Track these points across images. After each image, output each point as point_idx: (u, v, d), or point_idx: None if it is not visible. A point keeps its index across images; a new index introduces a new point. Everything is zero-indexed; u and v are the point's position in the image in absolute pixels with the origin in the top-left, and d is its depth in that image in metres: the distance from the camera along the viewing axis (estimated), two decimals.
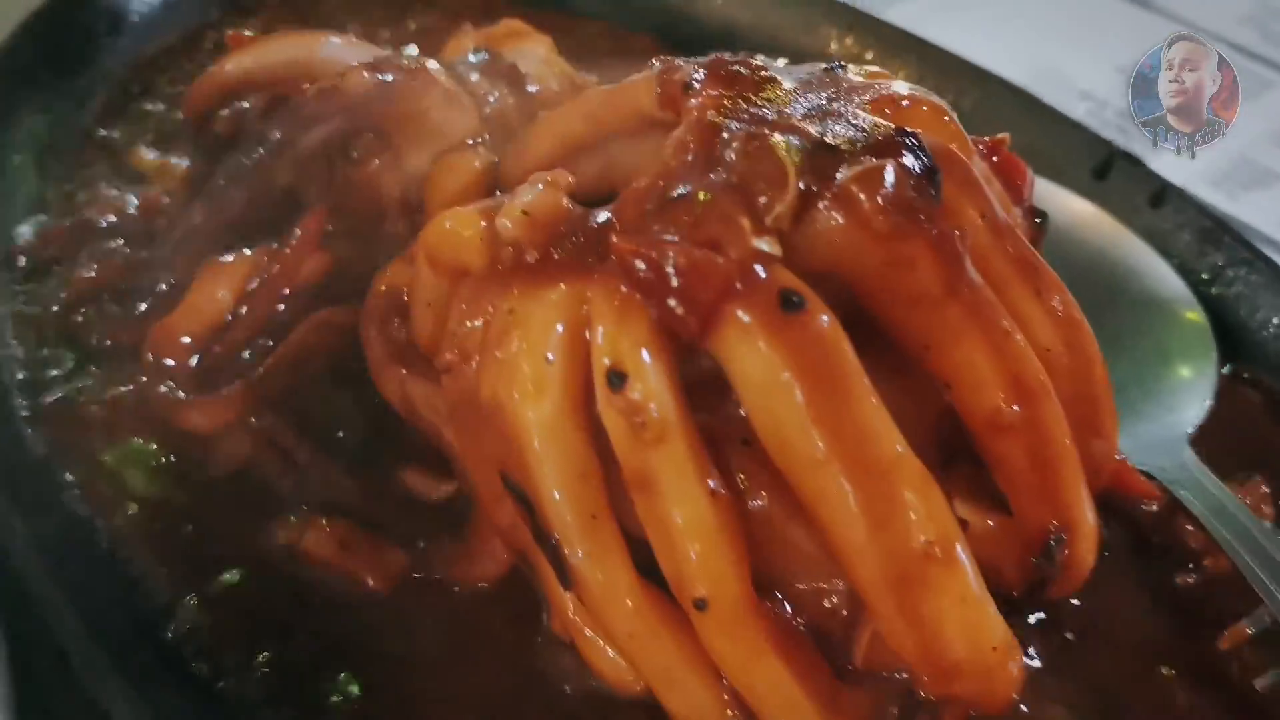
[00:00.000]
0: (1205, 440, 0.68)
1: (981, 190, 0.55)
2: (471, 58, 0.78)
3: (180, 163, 0.86)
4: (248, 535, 0.62)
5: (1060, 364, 0.56)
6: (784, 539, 0.53)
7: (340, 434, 0.66)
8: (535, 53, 0.82)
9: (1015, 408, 0.52)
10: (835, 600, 0.55)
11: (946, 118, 0.57)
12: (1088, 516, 0.56)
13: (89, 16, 0.94)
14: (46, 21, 0.91)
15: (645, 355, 0.48)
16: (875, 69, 0.62)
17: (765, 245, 0.48)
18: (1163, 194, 0.80)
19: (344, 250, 0.72)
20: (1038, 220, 0.64)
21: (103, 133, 0.88)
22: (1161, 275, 0.75)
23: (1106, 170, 0.83)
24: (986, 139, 0.61)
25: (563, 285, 0.50)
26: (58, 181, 0.83)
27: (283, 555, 0.61)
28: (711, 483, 0.49)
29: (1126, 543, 0.64)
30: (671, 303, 0.47)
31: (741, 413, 0.50)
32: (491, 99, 0.75)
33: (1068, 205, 0.79)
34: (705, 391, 0.51)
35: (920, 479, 0.48)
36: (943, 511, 0.49)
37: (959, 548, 0.49)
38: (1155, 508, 0.64)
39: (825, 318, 0.48)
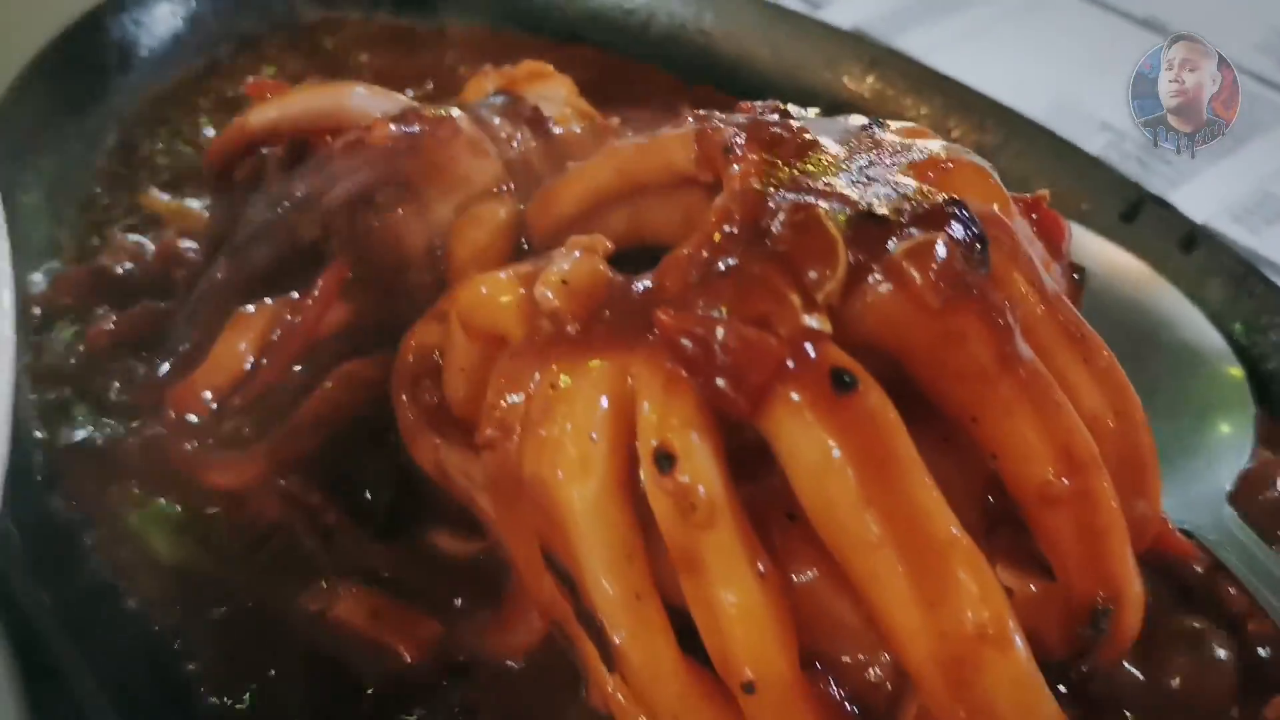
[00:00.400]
0: (1243, 496, 0.67)
1: (1028, 256, 0.54)
2: (494, 100, 0.77)
3: (194, 204, 0.85)
4: (276, 601, 0.61)
5: (1106, 429, 0.55)
6: (828, 613, 0.52)
7: (368, 494, 0.65)
8: (557, 94, 0.81)
9: (1065, 480, 0.51)
10: (879, 673, 0.54)
11: (991, 180, 0.56)
12: (1135, 586, 0.55)
13: (99, 52, 0.93)
14: (56, 58, 0.90)
15: (694, 436, 0.47)
16: (913, 125, 0.61)
17: (815, 322, 0.47)
18: (1194, 238, 0.80)
19: (367, 300, 0.71)
20: (1076, 276, 0.64)
21: (115, 173, 0.87)
22: (1196, 325, 0.74)
23: (1135, 213, 0.82)
24: (1027, 196, 0.60)
25: (606, 360, 0.49)
26: (70, 225, 0.82)
27: (312, 622, 0.60)
28: (760, 564, 0.48)
29: (1167, 606, 0.62)
30: (720, 382, 0.47)
31: (786, 485, 0.49)
32: (515, 143, 0.74)
33: (1096, 251, 0.78)
34: (748, 461, 0.50)
35: (973, 559, 0.47)
36: (996, 593, 0.48)
37: (1012, 627, 0.48)
38: (1198, 569, 0.63)
39: (878, 397, 0.47)
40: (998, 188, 0.57)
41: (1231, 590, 0.62)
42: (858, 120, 0.62)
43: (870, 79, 0.96)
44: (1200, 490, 0.67)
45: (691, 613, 0.49)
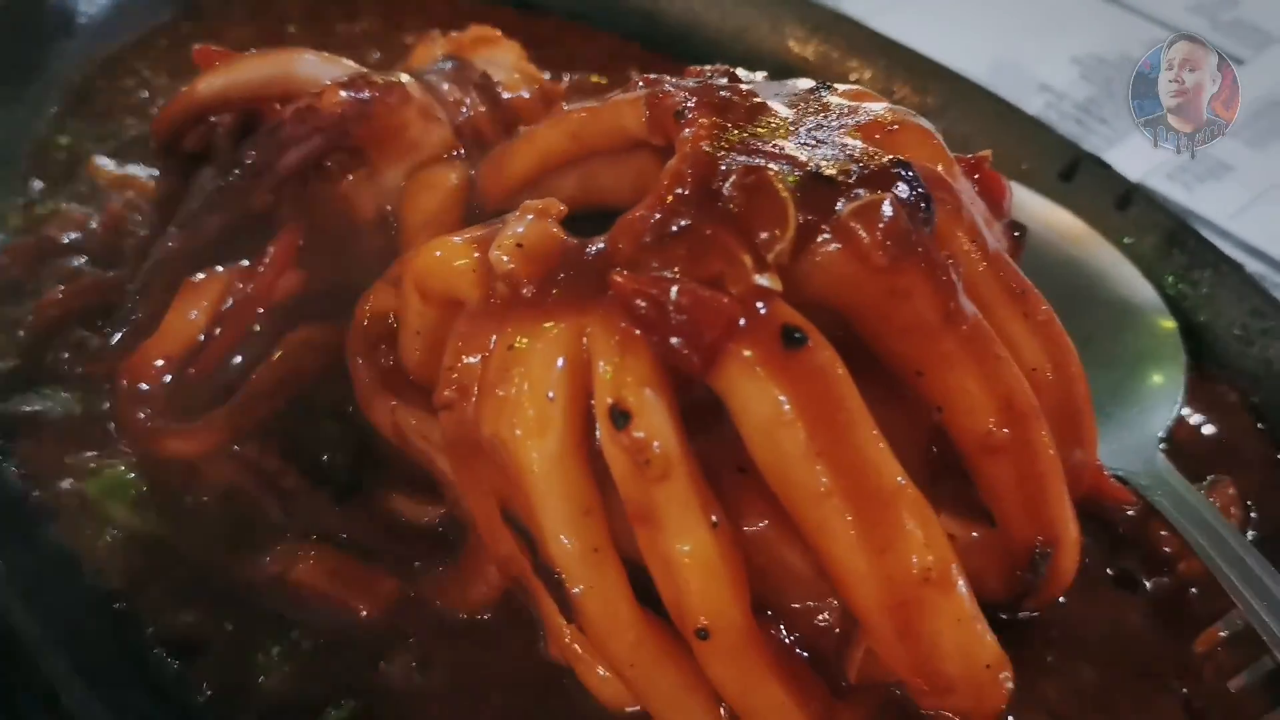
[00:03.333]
0: (1175, 443, 0.70)
1: (970, 215, 0.56)
2: (442, 66, 0.77)
3: (139, 173, 0.84)
4: (235, 565, 0.62)
5: (1045, 381, 0.58)
6: (779, 562, 0.54)
7: (325, 458, 0.66)
8: (505, 59, 0.82)
9: (1005, 430, 0.53)
10: (829, 618, 0.56)
11: (934, 140, 0.58)
12: (1071, 531, 0.57)
13: (38, 19, 0.91)
14: None
15: (648, 393, 0.48)
16: (859, 88, 0.62)
17: (766, 281, 0.48)
18: (1129, 196, 0.82)
19: (319, 266, 0.71)
20: (1017, 234, 0.66)
21: (59, 141, 0.86)
22: (1130, 280, 0.77)
23: (1073, 172, 0.84)
24: (970, 157, 0.62)
25: (562, 321, 0.50)
26: (15, 195, 0.81)
27: (273, 584, 0.61)
28: (712, 516, 0.49)
29: (1103, 548, 0.65)
30: (674, 340, 0.48)
31: (737, 439, 0.51)
32: (464, 109, 0.74)
33: (1036, 209, 0.80)
34: (700, 416, 0.51)
35: (918, 507, 0.49)
36: (939, 538, 0.50)
37: (955, 571, 0.50)
38: (1131, 513, 0.66)
39: (826, 352, 0.48)
40: (941, 148, 0.58)
41: (1163, 532, 0.65)
42: (805, 83, 0.63)
43: (815, 42, 0.97)
44: (1134, 438, 0.69)
45: (647, 565, 0.51)
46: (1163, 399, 0.72)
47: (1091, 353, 0.72)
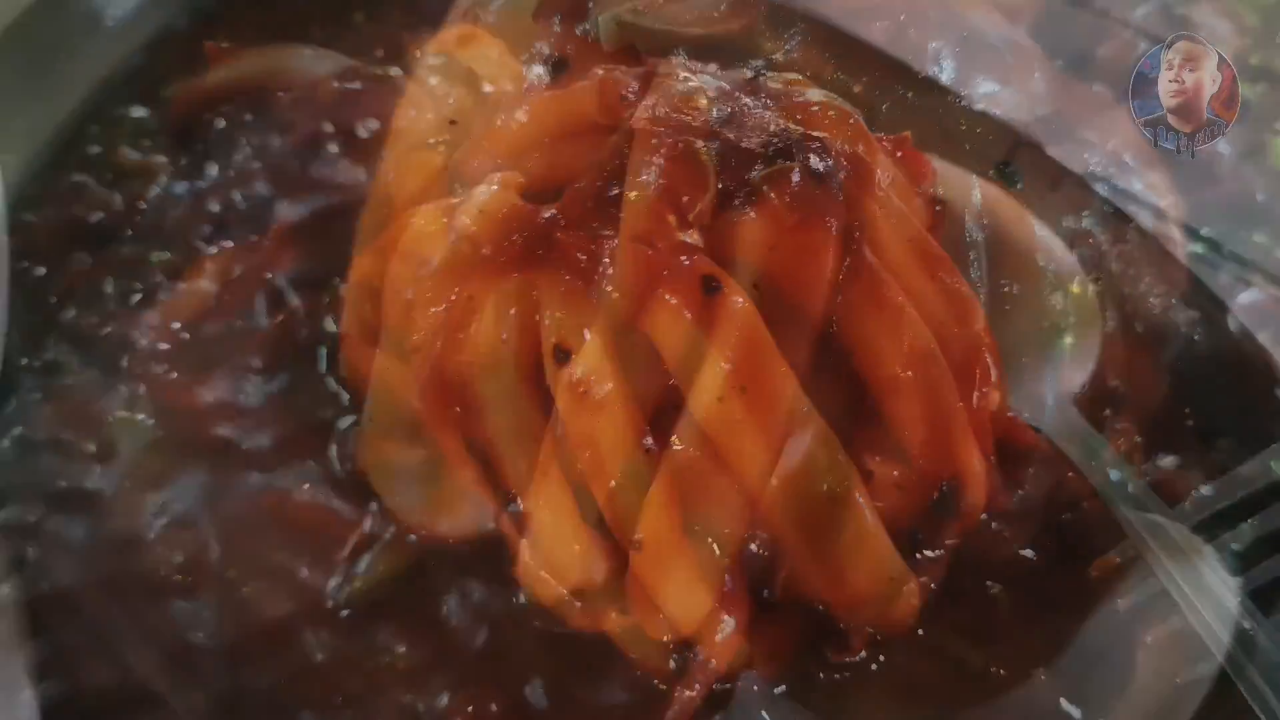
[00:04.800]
0: (1090, 396, 0.77)
1: (882, 186, 0.63)
2: (431, 61, 0.85)
3: (161, 160, 0.93)
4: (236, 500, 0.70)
5: (951, 334, 0.64)
6: (711, 489, 0.61)
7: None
8: (489, 55, 0.89)
9: (909, 373, 0.60)
10: (757, 542, 0.64)
11: (853, 120, 0.65)
12: (975, 467, 0.64)
13: (66, 23, 0.99)
14: (28, 27, 0.97)
15: (586, 334, 0.56)
16: (794, 76, 0.69)
17: (688, 238, 0.56)
18: (1060, 178, 0.89)
19: (316, 242, 0.79)
20: (937, 208, 0.73)
21: (86, 132, 0.94)
22: (1055, 251, 0.84)
23: (1011, 155, 0.91)
24: (891, 137, 0.69)
25: (515, 275, 0.58)
26: (44, 181, 0.89)
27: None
28: (647, 441, 0.57)
29: (1016, 488, 0.72)
30: (609, 290, 0.56)
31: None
32: (450, 100, 0.82)
33: (972, 188, 0.87)
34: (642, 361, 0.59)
35: (822, 434, 0.57)
36: (841, 461, 0.57)
37: (856, 492, 0.58)
38: (1043, 457, 0.73)
39: (739, 299, 0.56)
40: (860, 128, 0.65)
41: (1070, 475, 0.72)
42: (746, 71, 0.70)
43: (784, 40, 1.04)
44: (1050, 393, 0.76)
45: (591, 487, 0.58)
46: (1079, 358, 0.79)
47: (1018, 316, 0.80)
